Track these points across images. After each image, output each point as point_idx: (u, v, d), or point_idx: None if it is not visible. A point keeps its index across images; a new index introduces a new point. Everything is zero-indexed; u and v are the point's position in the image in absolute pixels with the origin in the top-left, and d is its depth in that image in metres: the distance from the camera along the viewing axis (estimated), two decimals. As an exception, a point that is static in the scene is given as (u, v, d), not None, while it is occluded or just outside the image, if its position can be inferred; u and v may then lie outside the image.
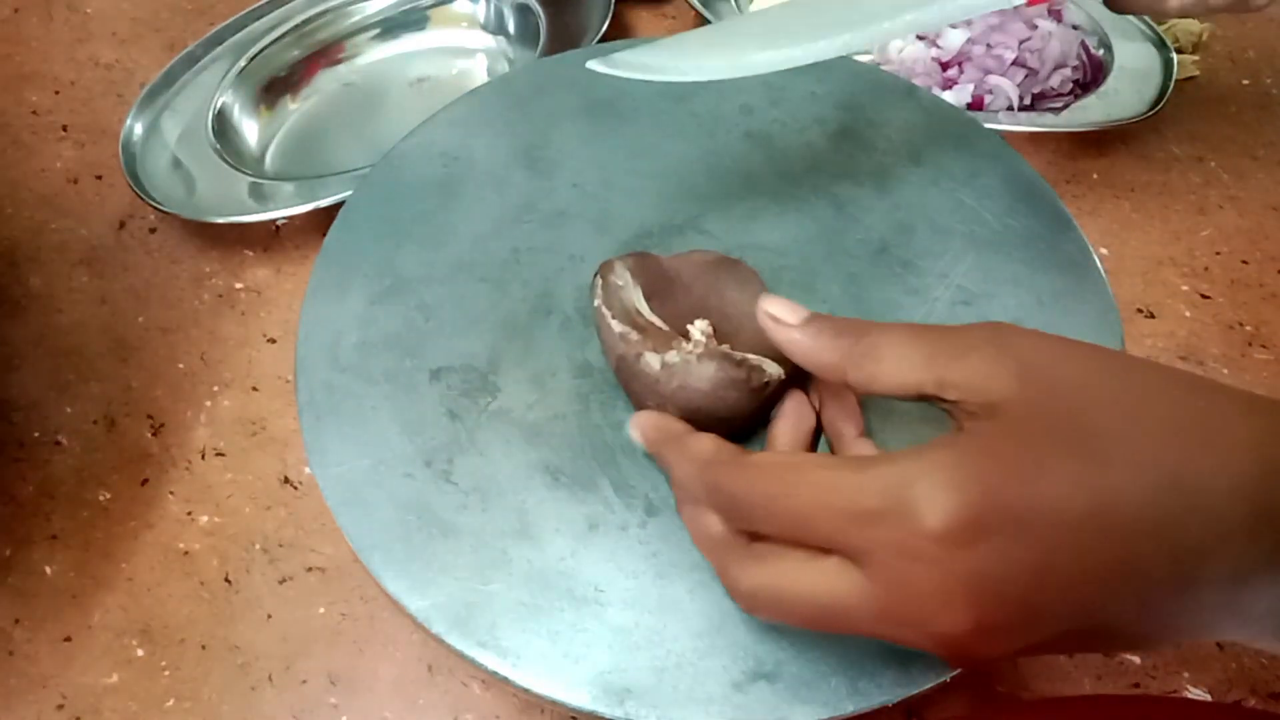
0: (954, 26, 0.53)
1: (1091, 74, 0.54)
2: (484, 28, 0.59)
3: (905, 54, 0.53)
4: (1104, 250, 0.50)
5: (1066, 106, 0.52)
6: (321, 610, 0.39)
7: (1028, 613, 0.22)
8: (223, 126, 0.52)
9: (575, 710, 0.29)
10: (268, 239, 0.49)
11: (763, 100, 0.43)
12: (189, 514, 0.41)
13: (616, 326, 0.32)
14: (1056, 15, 0.54)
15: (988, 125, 0.42)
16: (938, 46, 0.53)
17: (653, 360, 0.31)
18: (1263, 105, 0.56)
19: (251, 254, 0.49)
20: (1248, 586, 0.22)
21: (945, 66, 0.53)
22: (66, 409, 0.44)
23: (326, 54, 0.57)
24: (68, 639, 0.38)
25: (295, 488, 0.42)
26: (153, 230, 0.50)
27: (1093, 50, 0.55)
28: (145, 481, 0.42)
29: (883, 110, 0.43)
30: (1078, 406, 0.23)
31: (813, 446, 0.32)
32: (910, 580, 0.22)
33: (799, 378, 0.34)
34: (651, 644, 0.30)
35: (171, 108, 0.52)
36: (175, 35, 0.59)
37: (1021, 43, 0.53)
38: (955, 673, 0.30)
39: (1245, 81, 0.57)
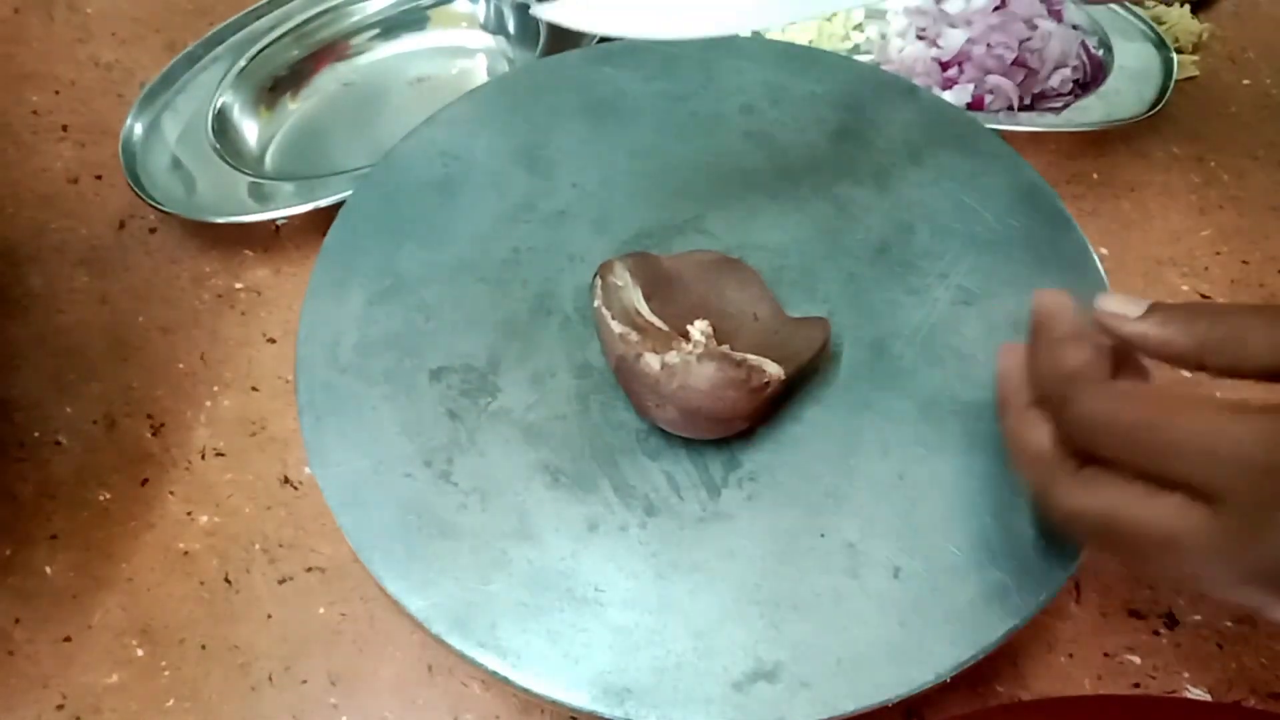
0: (954, 26, 0.53)
1: (1091, 74, 0.54)
2: (484, 28, 0.59)
3: (905, 54, 0.53)
4: (1104, 250, 0.50)
5: (1066, 106, 0.52)
6: (321, 610, 0.39)
7: None
8: (223, 126, 0.52)
9: (575, 710, 0.29)
10: (268, 239, 0.49)
11: (763, 100, 0.43)
12: (189, 514, 0.41)
13: (616, 327, 0.32)
14: (1056, 15, 0.54)
15: (988, 125, 0.42)
16: (938, 46, 0.53)
17: (653, 360, 0.31)
18: (1263, 105, 0.56)
19: (251, 254, 0.49)
20: None
21: (945, 66, 0.53)
22: (66, 409, 0.44)
23: (326, 54, 0.57)
24: (68, 639, 0.38)
25: (295, 488, 0.42)
26: (153, 230, 0.50)
27: (1093, 50, 0.55)
28: (145, 481, 0.42)
29: (883, 110, 0.42)
30: None
31: None
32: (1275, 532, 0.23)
33: (799, 378, 0.34)
34: (651, 644, 0.30)
35: (171, 108, 0.52)
36: (175, 35, 0.59)
37: (1021, 43, 0.53)
38: (955, 673, 0.30)
39: (1245, 81, 0.57)
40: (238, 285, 0.48)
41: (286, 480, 0.42)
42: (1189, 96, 0.56)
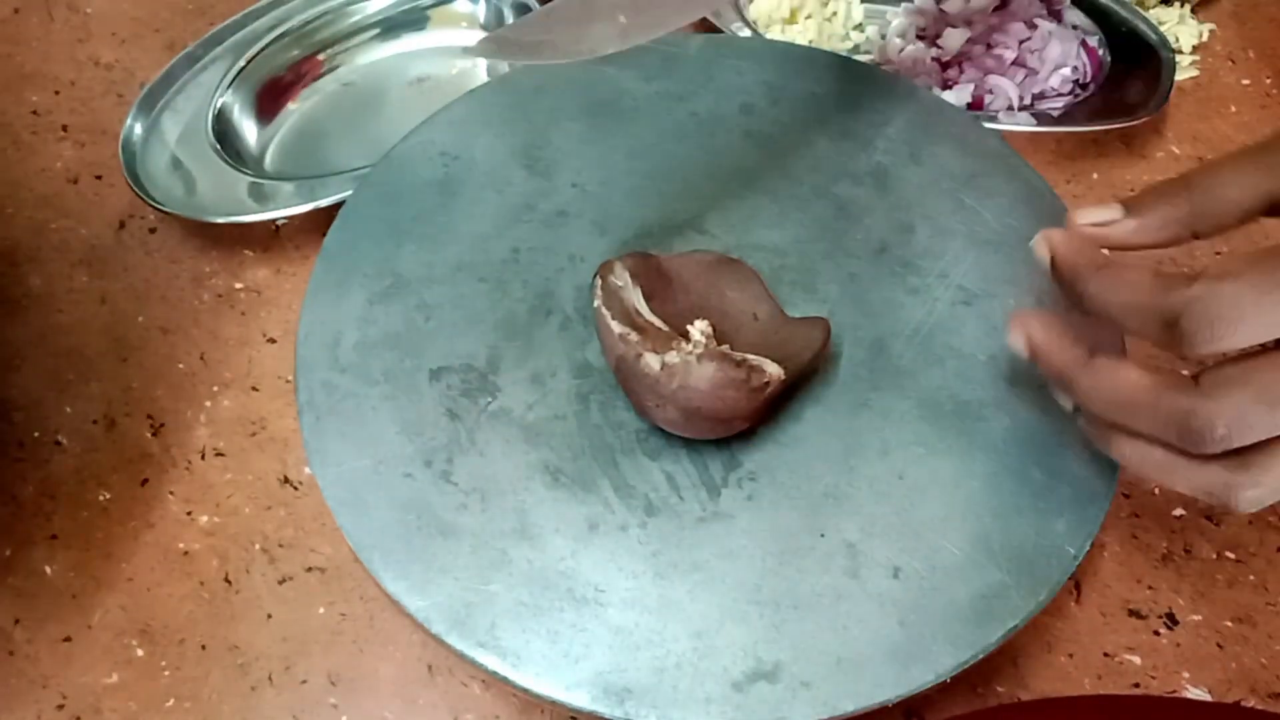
0: (954, 26, 0.53)
1: (1091, 74, 0.54)
2: (484, 28, 0.59)
3: (905, 54, 0.53)
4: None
5: (1067, 106, 0.52)
6: (321, 610, 0.39)
7: None
8: (223, 126, 0.52)
9: (575, 710, 0.29)
10: (268, 239, 0.49)
11: (763, 100, 0.43)
12: (189, 514, 0.41)
13: (616, 327, 0.32)
14: (1057, 15, 0.54)
15: (988, 125, 0.42)
16: (938, 46, 0.53)
17: (653, 361, 0.31)
18: (1263, 105, 0.56)
19: (251, 254, 0.49)
20: None
21: (945, 66, 0.53)
22: (66, 409, 0.44)
23: (326, 54, 0.57)
24: (68, 639, 0.38)
25: (295, 488, 0.42)
26: (153, 230, 0.50)
27: (1093, 50, 0.55)
28: (145, 481, 0.42)
29: (883, 110, 0.43)
30: None
31: None
32: None
33: (799, 378, 0.34)
34: (651, 644, 0.30)
35: (171, 108, 0.52)
36: (175, 35, 0.59)
37: (1021, 43, 0.53)
38: (955, 673, 0.30)
39: (1245, 81, 0.57)
40: (238, 285, 0.48)
41: (286, 480, 0.42)
42: (1189, 96, 0.56)
